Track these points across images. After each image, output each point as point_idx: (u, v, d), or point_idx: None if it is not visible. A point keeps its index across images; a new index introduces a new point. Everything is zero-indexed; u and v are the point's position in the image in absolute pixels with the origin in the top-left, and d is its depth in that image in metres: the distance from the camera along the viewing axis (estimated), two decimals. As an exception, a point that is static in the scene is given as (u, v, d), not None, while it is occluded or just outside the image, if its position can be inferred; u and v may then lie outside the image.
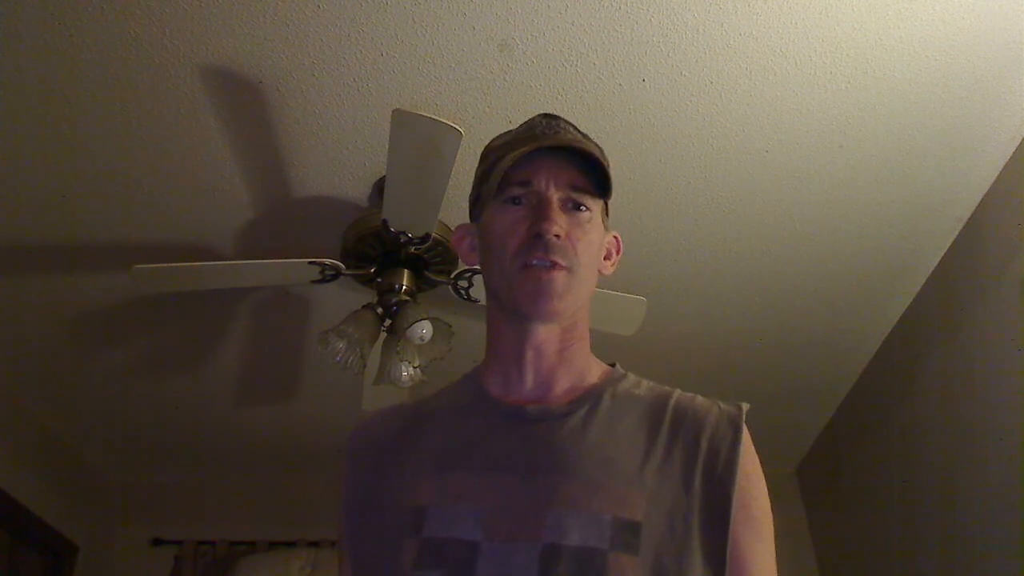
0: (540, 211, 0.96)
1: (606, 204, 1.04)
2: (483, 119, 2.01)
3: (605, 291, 2.19)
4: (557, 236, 0.95)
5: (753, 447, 0.96)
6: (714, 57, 1.92)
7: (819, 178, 2.27)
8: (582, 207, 0.98)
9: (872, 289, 2.72)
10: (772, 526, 0.93)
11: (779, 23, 1.85)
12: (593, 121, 2.03)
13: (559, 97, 1.99)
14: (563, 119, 1.05)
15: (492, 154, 1.03)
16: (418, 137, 1.79)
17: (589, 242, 0.98)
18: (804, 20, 1.84)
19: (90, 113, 2.00)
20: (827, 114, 2.08)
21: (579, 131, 1.05)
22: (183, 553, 3.62)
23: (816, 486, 3.69)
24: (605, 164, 0.98)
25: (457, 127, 1.74)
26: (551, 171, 0.98)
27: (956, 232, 2.47)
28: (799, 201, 2.34)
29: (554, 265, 0.95)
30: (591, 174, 0.98)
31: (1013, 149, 2.19)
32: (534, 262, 0.95)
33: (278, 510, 3.71)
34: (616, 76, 1.95)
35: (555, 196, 0.97)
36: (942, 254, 2.56)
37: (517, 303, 0.97)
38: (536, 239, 0.95)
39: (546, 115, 1.06)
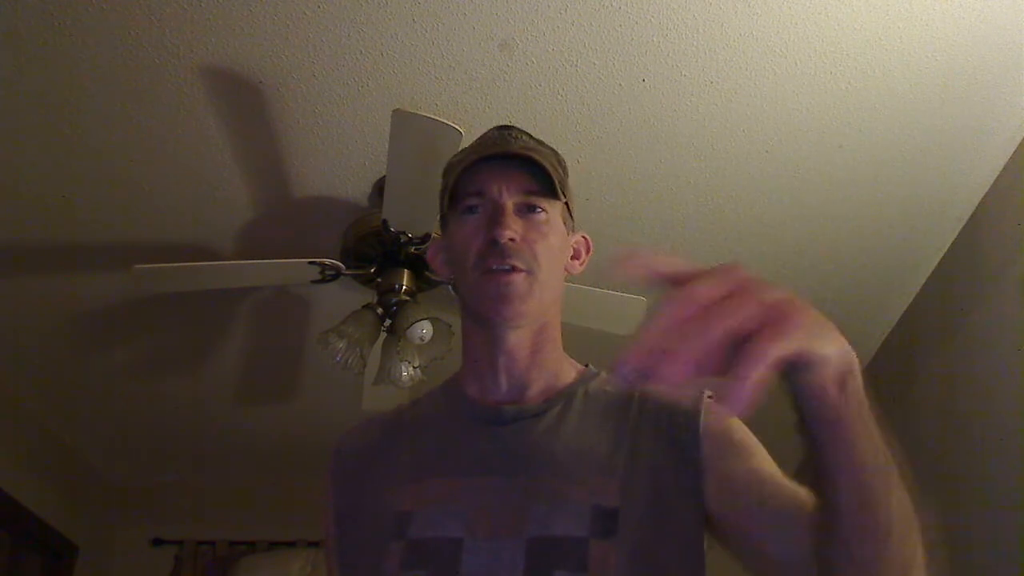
0: (494, 218, 0.99)
1: (568, 207, 1.06)
2: (483, 119, 2.00)
3: (605, 291, 2.19)
4: (512, 240, 0.97)
5: (724, 416, 0.94)
6: (714, 57, 1.91)
7: (819, 178, 2.27)
8: (537, 209, 1.00)
9: (872, 289, 2.72)
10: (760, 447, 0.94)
11: (779, 23, 1.85)
12: (593, 121, 2.02)
13: (559, 97, 1.99)
14: (516, 128, 1.07)
15: (450, 171, 1.07)
16: (418, 137, 1.79)
17: (548, 244, 1.00)
18: (804, 20, 1.84)
19: (90, 113, 2.00)
20: (827, 114, 2.08)
21: (533, 139, 1.07)
22: (183, 553, 3.63)
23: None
24: (550, 169, 1.00)
25: (457, 127, 1.74)
26: (502, 179, 1.00)
27: (956, 232, 2.47)
28: (799, 201, 2.34)
29: (513, 269, 0.97)
30: (543, 179, 1.00)
31: (1013, 149, 2.19)
32: (493, 267, 0.97)
33: (278, 510, 3.71)
34: (616, 76, 1.95)
35: (509, 202, 1.00)
36: (942, 254, 2.56)
37: (482, 310, 1.00)
38: (492, 245, 0.97)
39: (501, 127, 1.08)
